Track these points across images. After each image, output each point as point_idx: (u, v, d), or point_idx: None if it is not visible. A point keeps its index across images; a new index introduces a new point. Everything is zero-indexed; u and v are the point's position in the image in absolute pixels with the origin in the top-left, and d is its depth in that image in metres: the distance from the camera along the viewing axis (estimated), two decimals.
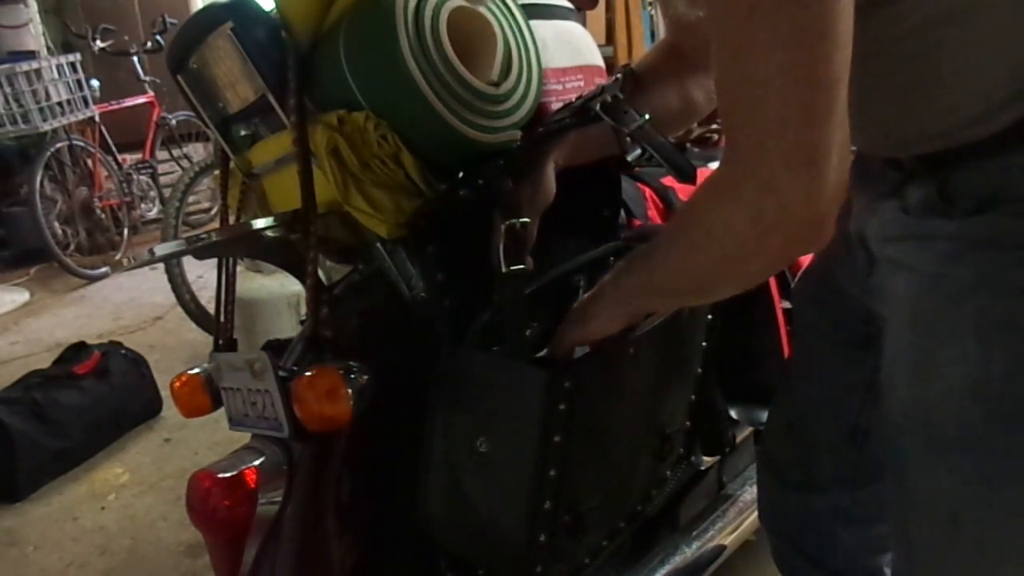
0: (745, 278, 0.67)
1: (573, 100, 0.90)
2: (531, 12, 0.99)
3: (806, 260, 1.40)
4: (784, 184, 0.56)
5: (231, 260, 1.01)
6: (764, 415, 1.24)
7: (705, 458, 1.26)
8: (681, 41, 0.91)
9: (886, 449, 0.77)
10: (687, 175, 0.83)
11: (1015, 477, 0.63)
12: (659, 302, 0.81)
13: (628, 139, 0.82)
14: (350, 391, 0.79)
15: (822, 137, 0.55)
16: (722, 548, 1.27)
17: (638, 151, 0.83)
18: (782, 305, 1.26)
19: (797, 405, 0.97)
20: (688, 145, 1.58)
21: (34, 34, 4.65)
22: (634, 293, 0.75)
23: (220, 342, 0.99)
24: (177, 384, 0.95)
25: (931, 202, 0.66)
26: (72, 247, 4.30)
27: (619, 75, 0.89)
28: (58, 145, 4.15)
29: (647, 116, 0.82)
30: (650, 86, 0.91)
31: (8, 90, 3.96)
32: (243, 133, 0.99)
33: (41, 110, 4.03)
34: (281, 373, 0.82)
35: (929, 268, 0.67)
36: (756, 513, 1.30)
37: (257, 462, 0.91)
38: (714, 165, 1.51)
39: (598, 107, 0.82)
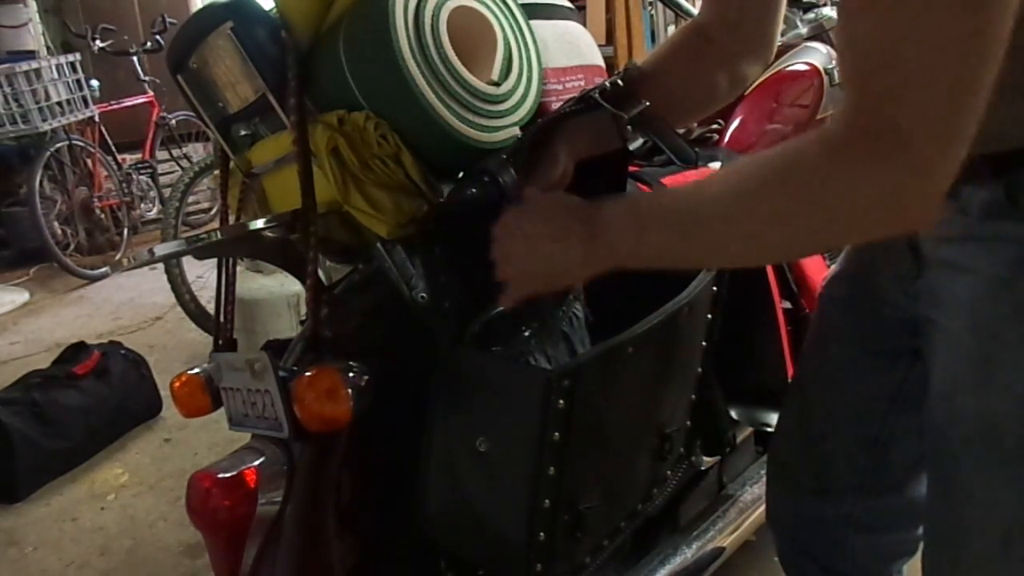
0: (818, 250, 0.61)
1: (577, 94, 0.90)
2: (531, 12, 0.99)
3: (822, 269, 1.40)
4: (935, 165, 0.50)
5: (231, 260, 1.01)
6: (764, 415, 1.24)
7: (705, 458, 1.25)
8: (710, 21, 0.88)
9: (932, 457, 0.76)
10: (688, 159, 0.82)
11: None
12: (659, 252, 0.67)
13: (629, 128, 0.82)
14: (350, 391, 0.79)
15: (979, 111, 0.49)
16: (722, 549, 1.27)
17: (640, 140, 0.82)
18: (782, 305, 1.26)
19: (813, 410, 0.96)
20: None
21: (34, 34, 4.65)
22: (650, 221, 0.65)
23: (220, 342, 0.99)
24: (177, 384, 0.94)
25: (996, 203, 0.63)
26: (72, 247, 4.30)
27: (622, 70, 0.88)
28: (58, 145, 4.15)
29: (647, 103, 0.82)
30: (668, 69, 0.88)
31: (8, 90, 3.95)
32: (243, 133, 0.99)
33: (41, 110, 4.03)
34: (281, 373, 0.82)
35: (995, 272, 0.65)
36: (757, 513, 1.31)
37: (257, 462, 0.91)
38: (715, 165, 1.52)
39: (597, 94, 0.82)
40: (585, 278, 0.73)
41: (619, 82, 0.84)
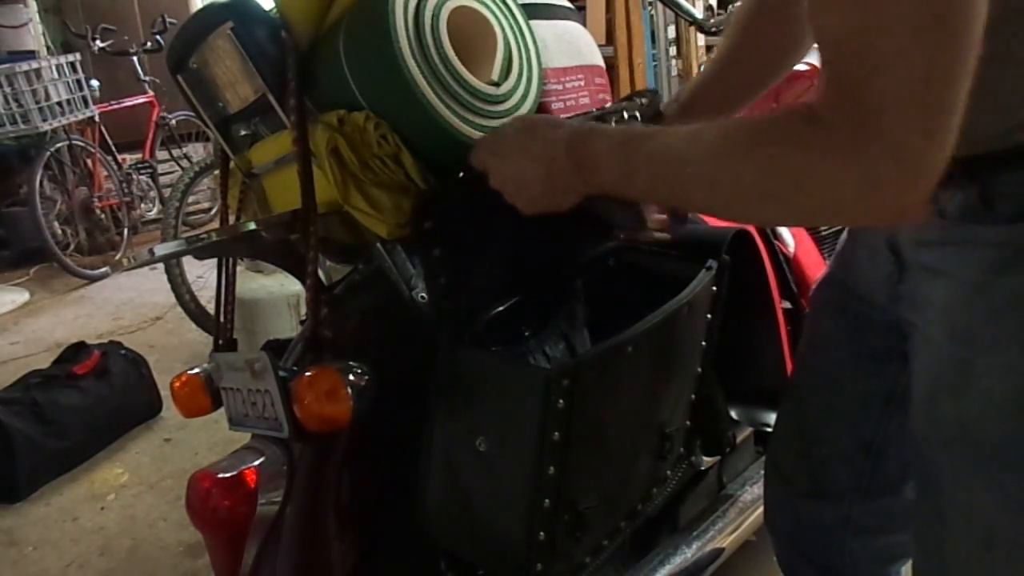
0: (807, 224, 0.63)
1: (595, 109, 0.90)
2: (531, 12, 0.99)
3: (821, 268, 1.40)
4: (916, 152, 0.50)
5: (231, 260, 1.01)
6: (764, 415, 1.24)
7: (705, 458, 1.25)
8: None
9: (916, 461, 0.76)
10: None
11: None
12: (646, 193, 0.71)
13: None
14: (350, 391, 0.79)
15: (958, 101, 0.49)
16: (722, 549, 1.27)
17: None
18: (782, 305, 1.26)
19: (809, 414, 0.96)
20: None
21: (34, 34, 4.66)
22: (638, 166, 0.66)
23: (220, 342, 0.99)
24: (177, 384, 0.95)
25: (971, 207, 0.63)
26: (72, 247, 4.30)
27: (645, 97, 0.89)
28: (58, 145, 4.15)
29: None
30: (745, 38, 0.92)
31: (8, 90, 3.95)
32: (243, 133, 0.99)
33: (41, 110, 4.03)
34: (281, 373, 0.82)
35: (970, 276, 0.65)
36: (756, 514, 1.31)
37: (257, 462, 0.91)
38: None
39: (613, 122, 0.83)
40: (579, 198, 0.74)
41: (636, 115, 0.85)
